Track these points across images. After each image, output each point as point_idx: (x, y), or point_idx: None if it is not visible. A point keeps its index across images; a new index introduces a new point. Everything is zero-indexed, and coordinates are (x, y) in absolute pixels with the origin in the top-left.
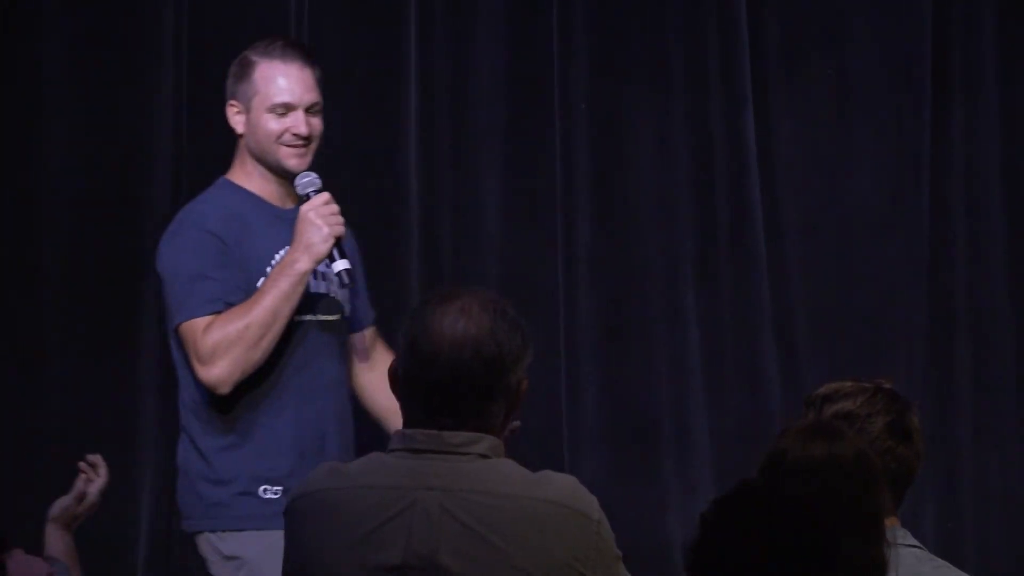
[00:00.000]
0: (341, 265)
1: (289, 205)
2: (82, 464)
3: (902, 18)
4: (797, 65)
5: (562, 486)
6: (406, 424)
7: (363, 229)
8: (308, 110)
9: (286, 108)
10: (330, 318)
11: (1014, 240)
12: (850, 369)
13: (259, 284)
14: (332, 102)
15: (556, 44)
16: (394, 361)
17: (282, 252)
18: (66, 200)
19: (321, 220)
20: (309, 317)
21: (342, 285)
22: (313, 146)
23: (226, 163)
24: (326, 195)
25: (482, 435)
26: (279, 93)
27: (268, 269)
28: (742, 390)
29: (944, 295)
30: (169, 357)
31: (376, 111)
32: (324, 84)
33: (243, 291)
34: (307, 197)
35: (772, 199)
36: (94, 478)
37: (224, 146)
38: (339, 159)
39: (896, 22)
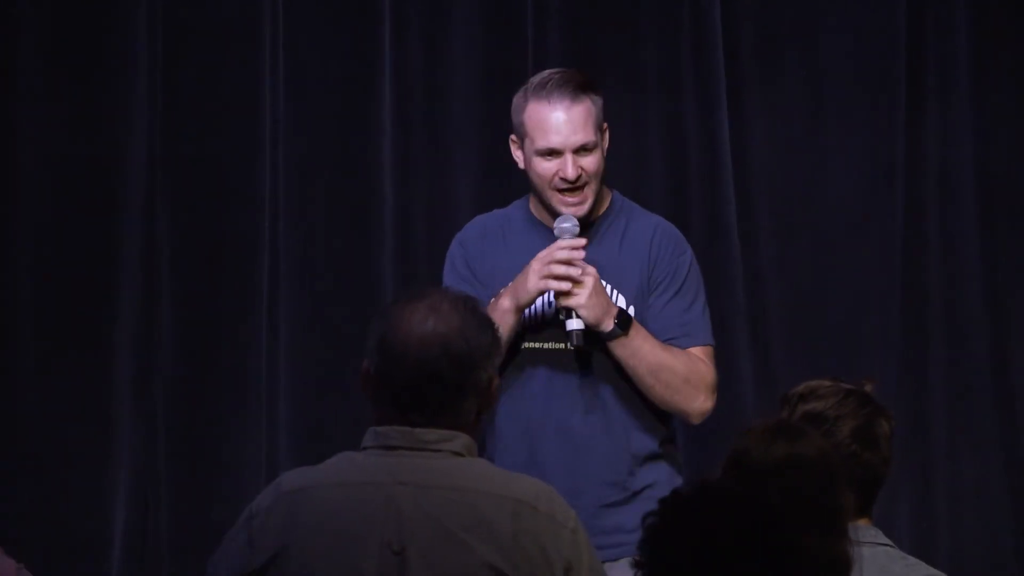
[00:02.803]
0: (572, 326)
1: None
2: None
3: (876, 19)
4: (771, 66)
5: (537, 487)
6: (378, 422)
7: (337, 229)
8: (579, 151)
9: (552, 153)
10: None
11: (987, 240)
12: (824, 370)
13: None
14: (306, 102)
15: (530, 44)
16: (365, 360)
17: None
18: (40, 197)
19: (537, 268)
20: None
21: (574, 345)
22: (590, 187)
23: (202, 161)
24: (561, 243)
25: (456, 433)
26: (545, 138)
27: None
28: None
29: (918, 295)
30: (144, 360)
31: (351, 111)
32: (603, 109)
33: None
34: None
35: (746, 200)
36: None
37: (199, 143)
38: (314, 159)
39: (870, 23)
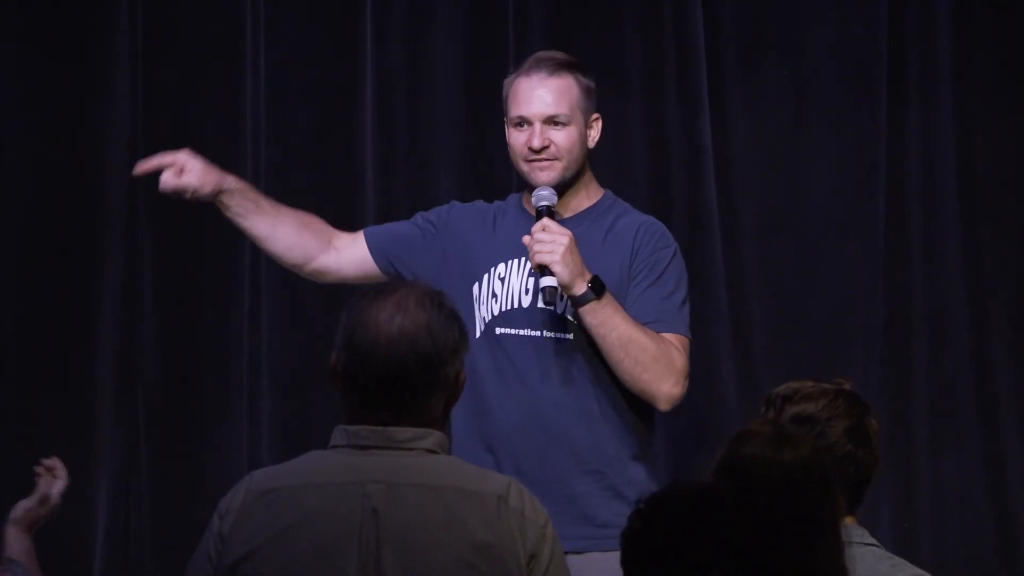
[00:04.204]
0: (545, 282)
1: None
2: (39, 468)
3: (858, 20)
4: (753, 67)
5: (509, 483)
6: (348, 420)
7: None
8: (549, 122)
9: (523, 121)
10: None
11: (969, 240)
12: (807, 370)
13: (479, 283)
14: (288, 102)
15: (512, 43)
16: (333, 355)
17: (515, 260)
18: (20, 199)
19: (531, 248)
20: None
21: (546, 302)
22: (560, 162)
23: None
24: (541, 222)
25: (428, 431)
26: (517, 106)
27: (493, 269)
28: (698, 391)
29: (900, 295)
30: (126, 360)
31: (332, 111)
32: (593, 97)
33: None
34: (538, 212)
35: (729, 201)
36: (54, 480)
37: (180, 145)
38: (295, 160)
39: (852, 24)
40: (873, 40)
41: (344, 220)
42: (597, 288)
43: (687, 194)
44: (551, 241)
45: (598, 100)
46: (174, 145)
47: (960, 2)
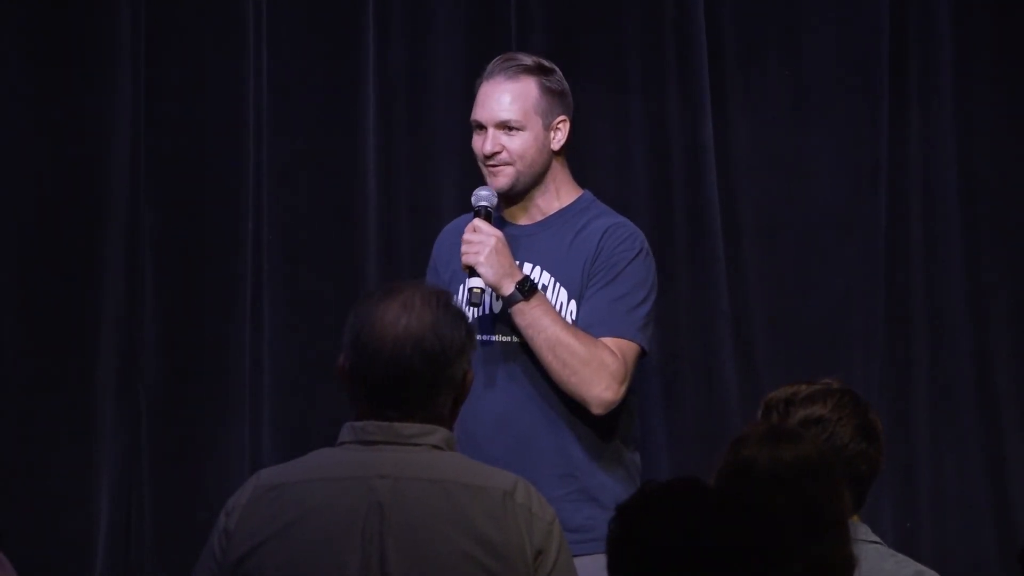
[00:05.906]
0: (471, 283)
1: (521, 221)
2: None
3: (859, 20)
4: (755, 67)
5: (515, 479)
6: (356, 417)
7: (321, 229)
8: (502, 127)
9: (479, 125)
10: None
11: (970, 241)
12: (807, 370)
13: (459, 292)
14: (290, 103)
15: (514, 43)
16: (341, 355)
17: None
18: (23, 198)
19: (462, 249)
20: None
21: (471, 303)
22: (514, 167)
23: (185, 162)
24: (472, 223)
25: (435, 427)
26: (474, 110)
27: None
28: (699, 391)
29: (901, 295)
30: (128, 359)
31: (334, 112)
32: (564, 103)
33: None
34: (476, 212)
35: (730, 201)
36: None
37: (183, 144)
38: (297, 160)
39: (853, 24)
40: (874, 40)
41: (345, 220)
42: (526, 290)
43: (688, 194)
44: (478, 242)
45: (598, 100)
46: (174, 144)
47: (961, 2)
